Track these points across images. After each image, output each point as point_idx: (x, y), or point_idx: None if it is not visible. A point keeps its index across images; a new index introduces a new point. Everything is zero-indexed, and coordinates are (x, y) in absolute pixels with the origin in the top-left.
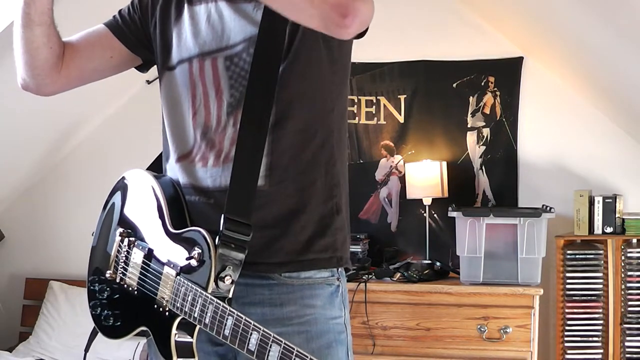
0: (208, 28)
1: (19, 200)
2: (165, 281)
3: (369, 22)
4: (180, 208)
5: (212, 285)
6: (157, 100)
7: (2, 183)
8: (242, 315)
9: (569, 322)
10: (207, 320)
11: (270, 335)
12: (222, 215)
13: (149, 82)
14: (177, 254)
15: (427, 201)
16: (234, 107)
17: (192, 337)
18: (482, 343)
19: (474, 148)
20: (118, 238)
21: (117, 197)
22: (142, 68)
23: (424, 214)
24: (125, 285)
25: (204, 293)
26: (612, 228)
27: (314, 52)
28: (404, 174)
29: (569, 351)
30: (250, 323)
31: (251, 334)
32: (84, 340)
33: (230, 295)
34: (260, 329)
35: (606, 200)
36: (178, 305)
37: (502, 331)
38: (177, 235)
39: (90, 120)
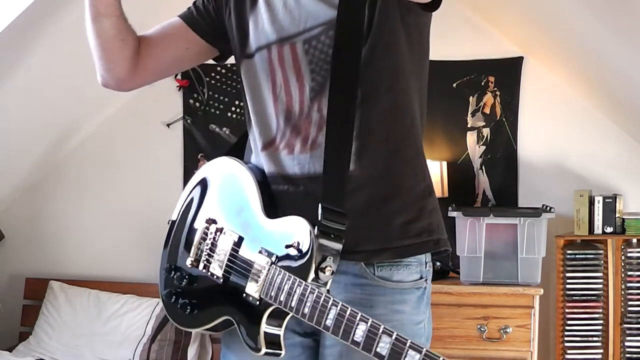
0: (285, 13)
1: (19, 200)
2: (258, 270)
3: None
4: (270, 196)
5: (312, 275)
6: (156, 101)
7: (2, 183)
8: (347, 306)
9: (569, 322)
10: (305, 310)
11: (380, 326)
12: (320, 205)
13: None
14: (272, 242)
15: None
16: (316, 92)
17: (280, 328)
18: (482, 343)
19: (474, 148)
20: (204, 225)
21: (202, 184)
22: (220, 59)
23: None
24: (209, 274)
25: (304, 282)
26: (612, 228)
27: (392, 31)
28: None
29: (569, 351)
30: (357, 313)
31: (357, 324)
32: (84, 340)
33: (328, 287)
34: (368, 319)
35: (606, 200)
36: (272, 294)
37: (502, 331)
38: (273, 223)
39: (90, 120)
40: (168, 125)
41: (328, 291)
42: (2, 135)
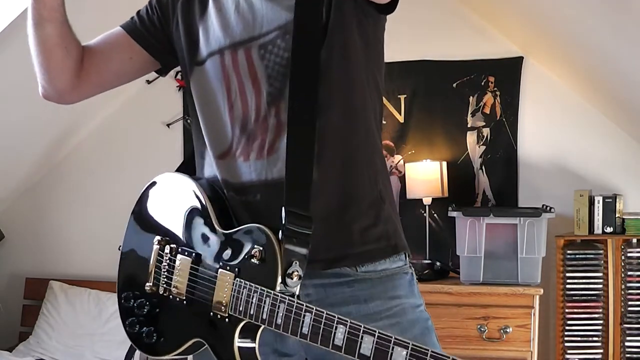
0: (238, 18)
1: (19, 200)
2: (222, 285)
3: None
4: (224, 208)
5: (279, 283)
6: (156, 101)
7: (2, 183)
8: (322, 310)
9: (569, 322)
10: (279, 321)
11: (361, 326)
12: (283, 209)
13: (149, 81)
14: (232, 255)
15: (427, 201)
16: (274, 97)
17: (254, 341)
18: (482, 343)
19: (474, 148)
20: (156, 247)
21: (149, 203)
22: (161, 72)
23: (424, 214)
24: (171, 297)
25: (272, 292)
26: (612, 228)
27: (348, 36)
28: (404, 174)
29: (569, 351)
30: (334, 317)
31: (336, 328)
32: (84, 340)
33: (297, 293)
34: (346, 321)
35: (606, 200)
36: (241, 308)
37: (502, 331)
38: (230, 234)
39: (90, 120)
40: (168, 125)
41: (298, 297)
42: (2, 135)
